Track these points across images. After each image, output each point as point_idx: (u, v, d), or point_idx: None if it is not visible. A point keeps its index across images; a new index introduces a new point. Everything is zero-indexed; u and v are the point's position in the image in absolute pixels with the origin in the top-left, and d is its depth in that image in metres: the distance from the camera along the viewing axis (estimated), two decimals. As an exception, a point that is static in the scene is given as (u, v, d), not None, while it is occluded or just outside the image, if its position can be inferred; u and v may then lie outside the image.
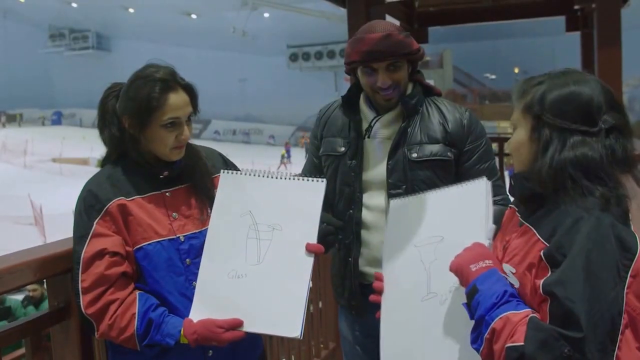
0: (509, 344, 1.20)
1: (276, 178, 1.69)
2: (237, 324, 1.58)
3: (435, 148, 1.90)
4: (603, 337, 1.15)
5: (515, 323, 1.22)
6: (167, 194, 1.67)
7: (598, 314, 1.15)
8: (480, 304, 1.27)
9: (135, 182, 1.65)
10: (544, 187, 1.29)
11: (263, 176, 1.69)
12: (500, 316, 1.23)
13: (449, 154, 1.91)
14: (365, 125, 1.98)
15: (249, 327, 1.59)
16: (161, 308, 1.60)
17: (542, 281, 1.21)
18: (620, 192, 1.27)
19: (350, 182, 1.96)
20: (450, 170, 1.91)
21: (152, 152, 1.65)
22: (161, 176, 1.67)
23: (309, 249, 1.61)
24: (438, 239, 1.50)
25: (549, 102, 1.31)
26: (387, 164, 1.92)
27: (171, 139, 1.62)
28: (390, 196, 1.89)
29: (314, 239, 1.62)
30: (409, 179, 1.90)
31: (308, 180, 1.68)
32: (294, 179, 1.69)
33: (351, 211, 1.97)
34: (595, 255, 1.18)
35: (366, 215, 1.96)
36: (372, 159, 1.96)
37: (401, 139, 1.92)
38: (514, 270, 1.32)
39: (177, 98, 1.61)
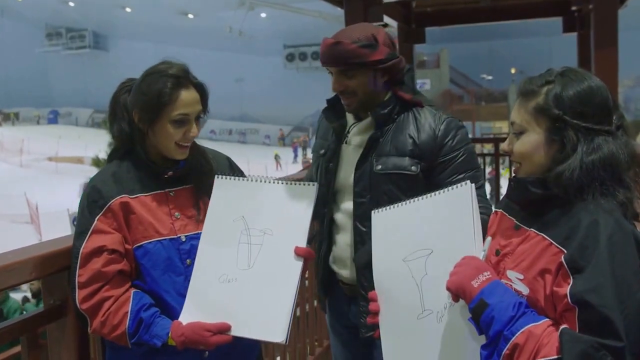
0: (539, 359, 1.15)
1: (269, 182, 1.70)
2: (224, 328, 1.59)
3: (400, 161, 1.87)
4: (635, 342, 1.13)
5: (539, 336, 1.17)
6: (170, 193, 1.68)
7: (628, 319, 1.12)
8: (495, 319, 1.21)
9: (139, 180, 1.66)
10: (572, 189, 1.24)
11: (256, 181, 1.70)
12: (522, 330, 1.19)
13: (413, 168, 1.86)
14: (346, 131, 2.01)
15: (236, 331, 1.59)
16: (153, 308, 1.60)
17: (568, 289, 1.16)
18: (632, 194, 1.25)
19: (325, 183, 1.99)
20: (414, 185, 1.86)
21: (158, 149, 1.66)
22: (166, 175, 1.67)
23: (298, 253, 1.62)
24: (427, 252, 1.44)
25: (568, 101, 1.26)
26: (355, 173, 1.92)
27: (179, 135, 1.63)
28: (355, 204, 1.92)
29: (303, 243, 1.63)
30: (373, 189, 1.89)
31: (299, 184, 1.69)
32: (286, 183, 1.70)
33: (325, 210, 2.01)
34: (620, 259, 1.16)
35: (337, 216, 2.00)
36: (344, 165, 1.98)
37: (371, 149, 1.91)
38: (521, 277, 1.27)
39: (188, 95, 1.63)
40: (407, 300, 1.48)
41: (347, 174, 1.96)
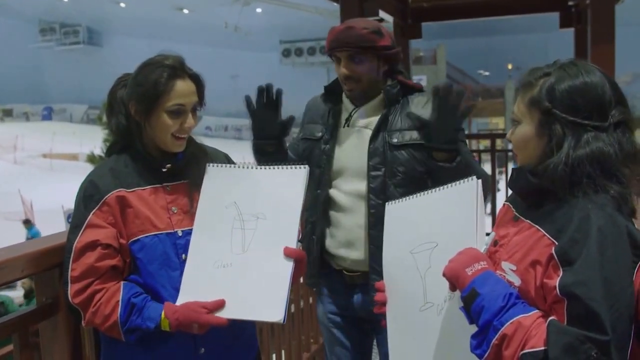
0: (526, 350, 1.15)
1: (260, 168, 1.71)
2: (220, 304, 1.57)
3: (414, 134, 1.98)
4: (623, 337, 1.12)
5: (528, 327, 1.17)
6: (167, 187, 1.67)
7: (617, 314, 1.12)
8: (485, 309, 1.22)
9: (137, 173, 1.65)
10: (558, 184, 1.24)
11: (247, 167, 1.71)
12: (511, 321, 1.19)
13: None
14: (345, 115, 2.09)
15: (234, 314, 1.58)
16: (145, 294, 1.60)
17: (557, 281, 1.16)
18: (629, 190, 1.25)
19: (321, 165, 2.07)
20: (428, 155, 1.97)
21: (155, 141, 1.65)
22: (164, 169, 1.66)
23: (287, 253, 1.60)
24: (432, 245, 1.46)
25: (558, 96, 1.26)
26: (369, 148, 2.01)
27: (175, 126, 1.62)
28: (370, 177, 1.99)
29: (296, 225, 1.63)
30: (388, 162, 1.99)
31: (290, 167, 1.70)
32: (276, 167, 1.71)
33: (319, 191, 2.08)
34: (611, 254, 1.15)
35: (341, 197, 2.06)
36: (349, 146, 2.06)
37: (382, 126, 2.02)
38: (514, 268, 1.28)
39: (184, 85, 1.62)
40: (412, 292, 1.49)
41: (354, 154, 2.04)
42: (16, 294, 7.45)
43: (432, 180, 1.92)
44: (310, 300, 3.44)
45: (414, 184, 1.93)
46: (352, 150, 2.05)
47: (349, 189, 2.04)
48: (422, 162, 1.97)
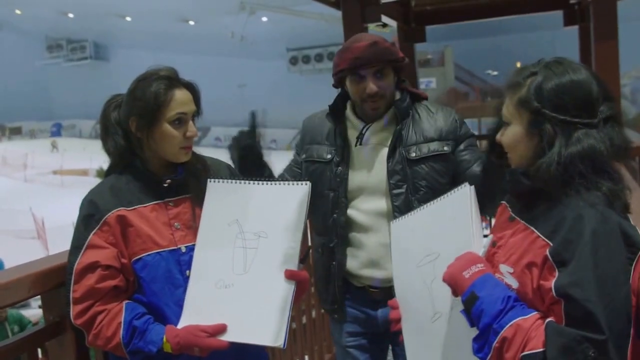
0: (525, 352, 1.16)
1: (262, 184, 1.68)
2: (221, 329, 1.57)
3: (432, 145, 1.97)
4: (620, 335, 1.13)
5: (527, 329, 1.18)
6: (170, 203, 1.66)
7: (613, 313, 1.12)
8: (484, 312, 1.23)
9: (137, 191, 1.64)
10: (551, 183, 1.24)
11: (248, 182, 1.69)
12: (510, 323, 1.20)
13: (445, 147, 1.98)
14: (353, 133, 2.03)
15: (233, 336, 1.58)
16: (147, 316, 1.59)
17: (553, 283, 1.17)
18: (622, 185, 1.25)
19: (335, 188, 2.01)
20: (448, 164, 1.98)
21: (160, 154, 1.65)
22: (165, 184, 1.65)
23: (288, 276, 1.59)
24: (435, 255, 1.47)
25: (547, 95, 1.26)
26: (387, 166, 1.97)
27: (180, 136, 1.62)
28: (393, 196, 1.94)
29: (298, 245, 1.62)
30: (410, 177, 1.95)
31: (292, 184, 1.67)
32: (278, 183, 1.69)
33: (335, 215, 2.01)
34: (604, 253, 1.16)
35: (360, 217, 2.00)
36: (365, 165, 2.01)
37: (397, 142, 1.98)
38: (511, 270, 1.28)
39: (182, 94, 1.63)
40: (422, 305, 1.50)
41: (371, 173, 2.00)
42: (32, 313, 7.44)
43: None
44: (323, 310, 3.41)
45: (437, 197, 1.92)
46: (369, 169, 2.00)
47: (369, 208, 1.99)
48: (443, 174, 1.95)
